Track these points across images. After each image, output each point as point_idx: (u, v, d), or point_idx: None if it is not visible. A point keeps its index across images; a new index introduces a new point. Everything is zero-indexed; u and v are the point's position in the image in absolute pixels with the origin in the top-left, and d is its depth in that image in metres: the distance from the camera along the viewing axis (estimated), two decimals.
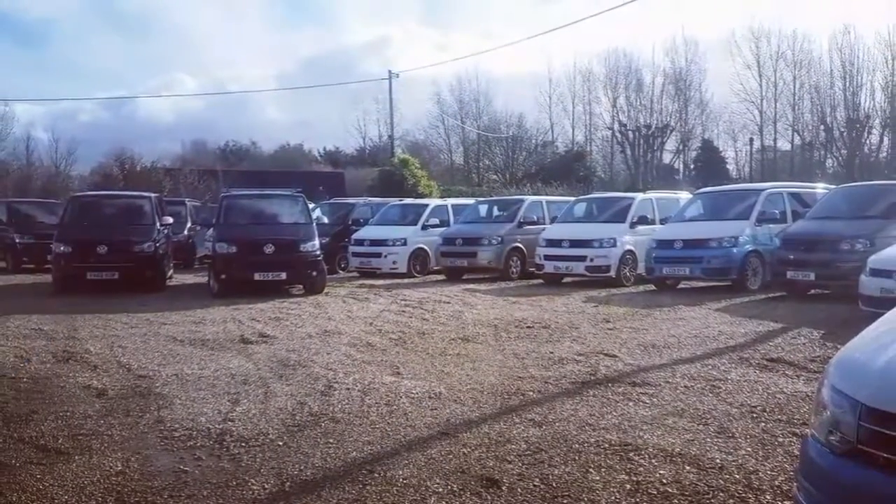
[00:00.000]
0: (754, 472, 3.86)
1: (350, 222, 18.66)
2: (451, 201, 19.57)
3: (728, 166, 44.45)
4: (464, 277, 16.00)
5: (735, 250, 12.26)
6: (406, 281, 15.66)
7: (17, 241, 18.22)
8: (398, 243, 16.76)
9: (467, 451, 4.24)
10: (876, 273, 8.54)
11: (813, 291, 11.44)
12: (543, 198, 18.96)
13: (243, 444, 4.42)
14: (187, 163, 37.60)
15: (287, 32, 73.23)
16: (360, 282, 15.38)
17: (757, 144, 43.76)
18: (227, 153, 47.56)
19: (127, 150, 34.14)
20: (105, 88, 75.72)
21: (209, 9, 73.70)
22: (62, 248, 13.00)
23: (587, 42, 74.32)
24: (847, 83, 39.96)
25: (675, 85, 44.99)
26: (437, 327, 9.01)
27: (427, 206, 18.32)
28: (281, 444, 4.44)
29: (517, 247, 15.80)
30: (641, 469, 3.93)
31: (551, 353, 7.22)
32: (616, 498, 3.57)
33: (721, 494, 3.59)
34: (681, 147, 46.28)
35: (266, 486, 3.77)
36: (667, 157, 47.24)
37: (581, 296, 12.25)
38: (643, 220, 14.40)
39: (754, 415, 4.94)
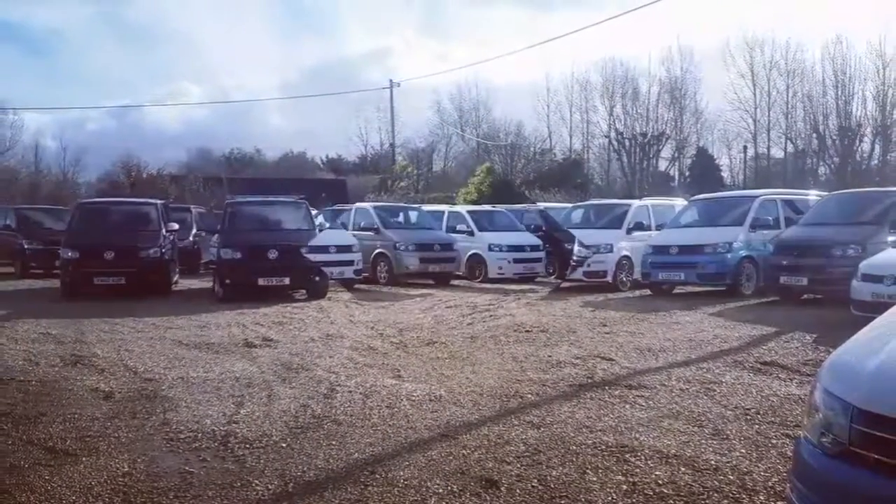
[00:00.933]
0: (748, 473, 3.91)
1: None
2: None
3: (722, 174, 44.73)
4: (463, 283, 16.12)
5: (729, 256, 12.43)
6: (407, 286, 15.73)
7: (26, 246, 18.34)
8: None
9: (467, 453, 4.29)
10: (867, 278, 8.63)
11: (806, 296, 11.51)
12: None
13: (247, 446, 4.48)
14: (192, 170, 37.83)
15: (290, 43, 73.67)
16: (363, 287, 15.46)
17: (751, 152, 44.21)
18: (231, 161, 47.81)
19: (133, 157, 34.45)
20: (112, 97, 76.25)
21: (214, 19, 74.23)
22: (70, 254, 13.14)
23: (584, 52, 74.65)
24: (839, 92, 40.20)
25: (671, 94, 45.30)
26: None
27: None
28: (284, 445, 4.50)
29: None
30: (638, 470, 3.98)
31: (549, 356, 7.28)
32: (613, 498, 3.62)
33: (716, 495, 3.63)
34: (676, 155, 46.60)
35: (270, 487, 3.83)
36: (662, 165, 47.58)
37: (578, 300, 12.32)
38: (639, 227, 14.58)
39: (748, 417, 5.00)
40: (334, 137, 74.82)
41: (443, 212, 18.36)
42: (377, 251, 15.89)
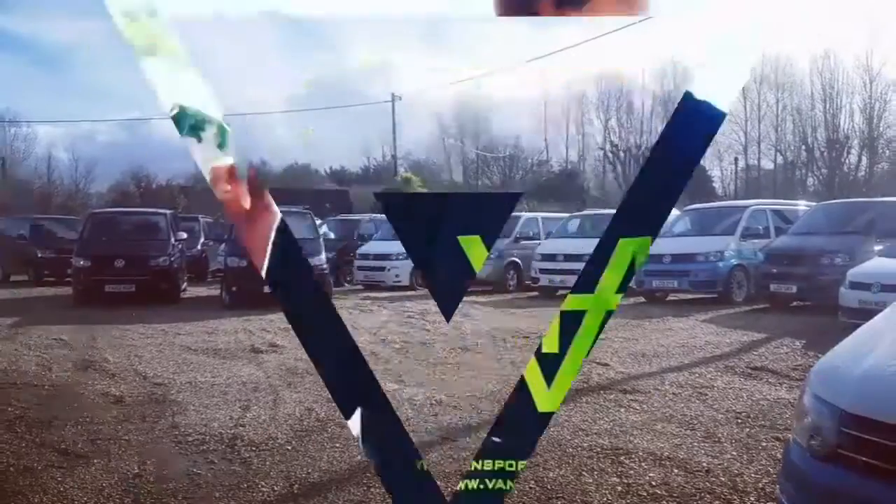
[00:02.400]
0: (739, 475, 3.98)
1: (355, 237, 18.92)
2: None
3: (714, 185, 45.05)
4: None
5: (721, 264, 12.61)
6: (409, 293, 15.81)
7: (39, 255, 18.60)
8: (401, 257, 16.90)
9: (466, 455, 4.33)
10: (855, 286, 8.81)
11: (795, 303, 11.64)
12: (539, 214, 19.12)
13: (254, 449, 4.57)
14: (200, 181, 37.93)
15: (295, 57, 74.02)
16: (365, 294, 15.57)
17: (741, 164, 44.52)
18: None
19: (143, 168, 34.73)
20: (122, 110, 76.76)
21: (221, 35, 74.79)
22: (81, 263, 13.33)
23: (581, 66, 74.54)
24: (827, 105, 40.50)
25: (664, 107, 45.54)
26: (438, 337, 9.15)
27: None
28: (289, 448, 4.59)
29: (514, 261, 16.10)
30: (632, 472, 4.05)
31: None
32: (608, 499, 3.69)
33: (707, 496, 3.70)
34: None
35: (275, 489, 3.91)
36: None
37: None
38: None
39: (739, 420, 5.07)
40: (338, 149, 75.04)
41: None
42: None
